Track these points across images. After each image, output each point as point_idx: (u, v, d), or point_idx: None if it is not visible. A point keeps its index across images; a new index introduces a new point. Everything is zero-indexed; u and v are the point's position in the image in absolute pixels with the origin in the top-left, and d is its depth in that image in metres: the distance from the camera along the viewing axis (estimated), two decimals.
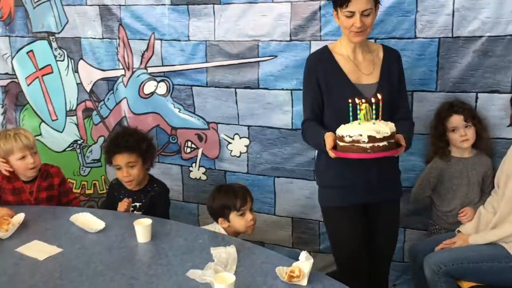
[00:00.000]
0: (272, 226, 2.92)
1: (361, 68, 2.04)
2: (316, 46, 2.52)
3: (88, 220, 2.16)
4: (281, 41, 2.62)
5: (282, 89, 2.67)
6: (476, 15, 2.24)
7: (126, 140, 2.49)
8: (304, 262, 1.64)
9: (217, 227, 2.26)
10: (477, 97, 2.36)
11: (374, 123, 1.79)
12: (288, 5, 2.55)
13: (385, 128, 1.77)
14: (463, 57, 2.32)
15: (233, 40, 2.72)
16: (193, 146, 3.02)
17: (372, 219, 2.14)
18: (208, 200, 2.37)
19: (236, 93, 2.79)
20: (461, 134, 2.33)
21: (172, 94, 2.97)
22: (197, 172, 3.05)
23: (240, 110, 2.81)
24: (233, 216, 2.24)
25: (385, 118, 1.88)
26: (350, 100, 1.82)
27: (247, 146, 2.87)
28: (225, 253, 1.82)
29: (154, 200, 2.53)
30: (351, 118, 1.83)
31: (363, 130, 1.75)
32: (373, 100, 1.82)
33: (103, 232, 2.08)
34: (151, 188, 2.55)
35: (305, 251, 1.67)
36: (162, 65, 2.94)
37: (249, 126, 2.83)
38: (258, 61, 2.69)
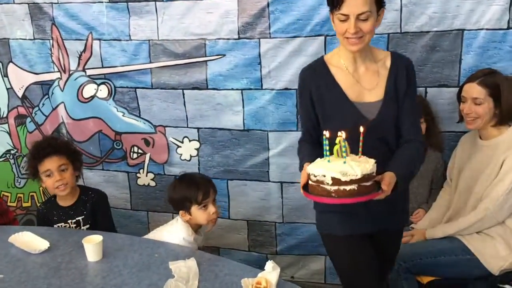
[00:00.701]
0: (227, 230, 2.84)
1: (362, 83, 1.72)
2: (265, 43, 2.47)
3: (29, 240, 1.96)
4: (229, 39, 2.53)
5: (232, 89, 2.59)
6: (423, 11, 2.26)
7: (54, 143, 2.31)
8: (271, 272, 1.56)
9: (178, 220, 2.14)
10: (426, 92, 2.39)
11: (344, 162, 1.49)
12: (235, 1, 2.46)
13: (356, 169, 1.46)
14: (412, 52, 2.32)
15: (178, 39, 2.59)
16: (139, 151, 2.87)
17: (376, 245, 1.84)
18: (169, 190, 2.22)
19: (183, 94, 2.67)
20: None
21: (114, 97, 2.80)
22: (145, 179, 2.91)
23: (189, 112, 2.70)
24: (195, 209, 2.10)
25: (392, 141, 1.70)
26: (324, 133, 1.56)
27: (197, 149, 2.76)
28: (185, 267, 1.72)
29: (95, 209, 2.36)
30: (324, 153, 1.56)
31: (328, 170, 1.48)
32: (343, 134, 1.51)
33: (48, 253, 1.90)
34: (87, 197, 2.37)
35: (271, 260, 1.60)
36: (102, 67, 2.76)
37: (198, 129, 2.72)
38: (206, 61, 2.59)
